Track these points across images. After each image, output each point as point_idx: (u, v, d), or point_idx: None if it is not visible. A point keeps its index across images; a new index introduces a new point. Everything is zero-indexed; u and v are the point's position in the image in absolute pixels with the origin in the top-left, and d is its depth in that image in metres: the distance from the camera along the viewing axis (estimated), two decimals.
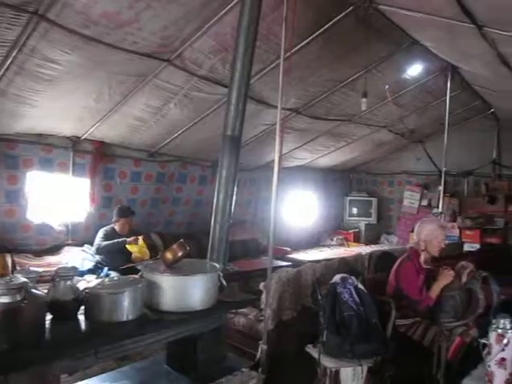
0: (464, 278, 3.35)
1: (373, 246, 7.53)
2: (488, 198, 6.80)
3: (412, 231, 7.19)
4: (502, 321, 2.22)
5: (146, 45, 3.39)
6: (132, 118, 4.48)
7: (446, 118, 5.15)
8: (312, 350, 2.92)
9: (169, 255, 2.44)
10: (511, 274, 5.65)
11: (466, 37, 3.26)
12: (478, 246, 6.45)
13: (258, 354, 2.98)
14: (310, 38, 3.77)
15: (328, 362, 2.78)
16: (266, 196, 6.39)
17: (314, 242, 7.77)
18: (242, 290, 4.52)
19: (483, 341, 3.02)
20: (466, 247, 6.37)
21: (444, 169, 5.32)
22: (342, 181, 8.58)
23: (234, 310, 3.24)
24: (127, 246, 4.48)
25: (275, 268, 3.61)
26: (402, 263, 3.37)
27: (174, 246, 2.47)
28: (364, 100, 4.14)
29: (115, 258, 4.47)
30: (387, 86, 4.78)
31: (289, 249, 6.57)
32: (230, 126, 2.74)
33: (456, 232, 6.73)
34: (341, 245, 7.75)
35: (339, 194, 8.39)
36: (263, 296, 3.12)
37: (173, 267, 2.41)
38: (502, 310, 3.25)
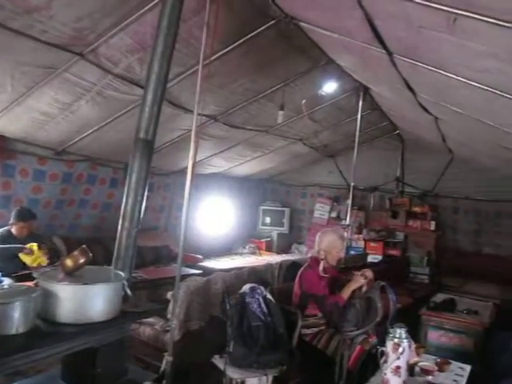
0: (364, 288, 3.53)
1: (284, 254, 7.70)
2: (391, 212, 7.24)
3: None
4: (398, 330, 2.36)
5: (57, 35, 3.15)
6: (38, 113, 4.15)
7: (357, 135, 5.42)
8: (218, 361, 2.88)
9: (69, 262, 2.27)
10: (407, 283, 6.08)
11: (377, 62, 3.44)
12: (380, 257, 6.84)
13: (163, 366, 2.88)
14: (232, 46, 3.76)
15: (234, 373, 2.75)
16: (180, 202, 6.24)
17: (227, 249, 7.75)
18: (150, 299, 4.36)
19: (382, 348, 3.19)
20: (370, 258, 6.71)
21: (352, 183, 5.58)
22: (256, 190, 8.67)
23: (138, 321, 3.11)
24: (20, 254, 4.03)
25: (185, 276, 3.53)
26: (303, 272, 3.48)
27: (76, 253, 2.31)
28: (281, 112, 4.22)
29: (8, 263, 4.06)
30: (304, 101, 4.92)
31: (200, 256, 6.48)
32: (144, 128, 2.63)
33: (361, 244, 7.09)
34: (253, 253, 7.81)
35: (253, 203, 8.47)
36: (170, 305, 3.03)
37: (73, 275, 2.24)
38: (398, 317, 3.48)
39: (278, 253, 7.95)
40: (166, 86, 2.84)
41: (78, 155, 5.28)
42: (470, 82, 2.78)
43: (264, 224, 8.40)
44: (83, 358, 2.30)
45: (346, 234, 5.28)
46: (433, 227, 6.95)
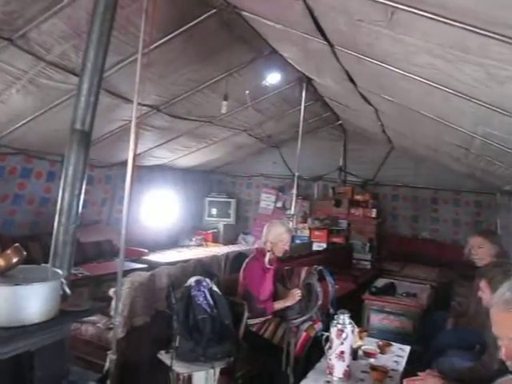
0: (303, 275, 3.60)
1: (231, 245, 7.69)
2: (334, 201, 7.42)
3: None
4: (341, 316, 2.42)
5: None
6: None
7: (301, 125, 5.48)
8: (164, 357, 2.84)
9: (1, 262, 2.13)
10: (351, 269, 6.26)
11: (319, 53, 3.48)
12: (324, 245, 7.00)
13: (107, 365, 2.80)
14: (173, 34, 3.66)
15: (180, 368, 2.72)
16: (122, 195, 6.05)
17: (173, 242, 7.64)
18: (92, 297, 4.22)
19: (326, 334, 3.27)
20: (315, 247, 6.85)
21: (297, 173, 5.65)
22: (202, 181, 8.59)
23: (80, 320, 3.00)
24: None
25: (128, 271, 3.43)
26: (249, 263, 3.49)
27: (8, 251, 2.17)
28: (225, 103, 4.18)
29: None
30: (247, 92, 4.90)
31: (145, 250, 6.34)
32: (80, 119, 2.51)
33: (306, 233, 7.23)
34: (199, 245, 7.75)
35: (199, 195, 8.39)
36: (113, 302, 2.93)
37: (5, 275, 2.11)
38: (342, 303, 3.58)
39: (225, 244, 7.93)
40: (103, 74, 2.72)
41: (10, 148, 4.97)
42: (409, 75, 2.88)
43: (210, 215, 8.35)
44: (20, 362, 2.18)
45: (291, 224, 5.35)
46: (374, 214, 7.19)
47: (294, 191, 5.81)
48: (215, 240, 8.06)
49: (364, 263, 6.93)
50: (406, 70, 2.79)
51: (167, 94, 4.77)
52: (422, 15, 2.00)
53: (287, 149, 7.92)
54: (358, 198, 7.40)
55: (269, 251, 3.47)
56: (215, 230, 8.18)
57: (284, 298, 3.42)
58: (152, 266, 4.81)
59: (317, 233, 7.23)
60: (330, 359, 2.37)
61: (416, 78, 2.87)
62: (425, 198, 7.40)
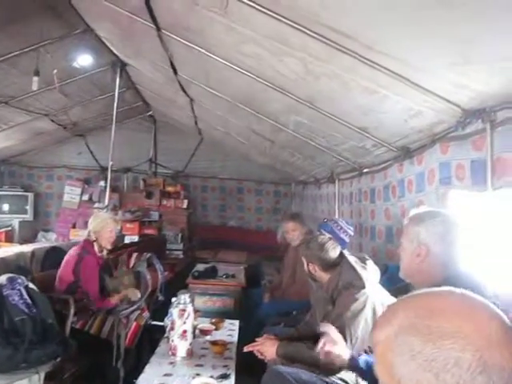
0: (132, 263, 3.51)
1: (29, 245, 6.86)
2: (145, 193, 7.32)
3: (74, 227, 7.02)
4: (182, 296, 2.44)
5: None
6: None
7: (114, 113, 5.21)
8: None
9: None
10: (166, 260, 6.30)
11: (143, 36, 3.40)
12: (137, 237, 6.85)
13: None
14: None
15: None
16: None
17: None
18: None
19: (154, 322, 3.25)
20: (127, 239, 6.65)
21: (111, 162, 5.38)
22: None
23: None
24: None
25: None
26: (82, 258, 3.21)
27: None
28: (35, 79, 3.72)
29: None
30: (55, 71, 4.44)
31: None
32: None
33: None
34: None
35: None
36: None
37: None
38: (165, 290, 3.60)
39: (22, 243, 7.00)
40: None
41: None
42: (234, 66, 3.05)
43: (2, 212, 7.30)
44: None
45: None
46: (185, 205, 7.36)
47: (108, 183, 5.52)
48: (9, 239, 7.06)
49: (176, 253, 7.04)
50: (233, 59, 2.96)
51: None
52: (257, 8, 2.17)
53: (94, 138, 7.50)
54: (170, 189, 7.46)
55: (94, 241, 3.25)
56: (9, 228, 7.18)
57: (112, 287, 3.25)
58: None
59: (128, 225, 6.99)
60: (172, 340, 2.37)
61: (240, 69, 3.07)
62: (231, 189, 7.92)
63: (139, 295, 3.30)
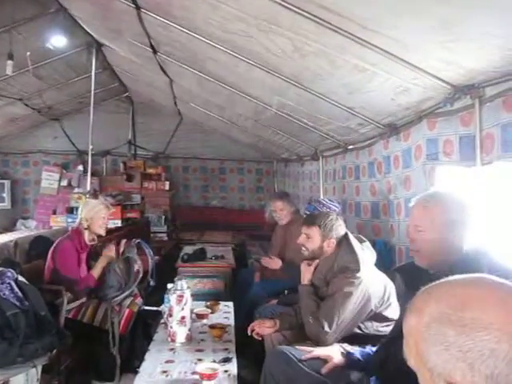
0: (121, 248, 3.47)
1: (9, 234, 6.71)
2: (126, 176, 7.19)
3: (54, 213, 6.87)
4: (179, 283, 2.43)
5: None
6: None
7: (92, 95, 5.08)
8: None
9: None
10: (151, 243, 6.26)
11: (122, 15, 3.28)
12: (120, 221, 6.75)
13: None
14: None
15: None
16: None
17: None
18: None
19: (147, 308, 3.25)
20: (110, 224, 6.55)
21: (91, 146, 5.25)
22: None
23: None
24: None
25: None
26: (60, 243, 3.18)
27: None
28: (10, 62, 3.57)
29: None
30: (28, 53, 4.27)
31: None
32: None
33: None
34: None
35: None
36: None
37: None
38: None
39: (1, 232, 6.88)
40: None
41: None
42: (217, 45, 2.98)
43: None
44: None
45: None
46: (167, 187, 7.27)
47: (89, 167, 5.40)
48: None
49: (161, 235, 6.98)
50: (219, 38, 2.88)
51: None
52: None
53: (70, 122, 7.29)
54: (151, 171, 7.35)
55: (86, 229, 3.19)
56: None
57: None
58: None
59: None
60: (171, 327, 2.36)
61: (225, 49, 3.00)
62: (213, 169, 7.86)
63: (113, 247, 3.27)
